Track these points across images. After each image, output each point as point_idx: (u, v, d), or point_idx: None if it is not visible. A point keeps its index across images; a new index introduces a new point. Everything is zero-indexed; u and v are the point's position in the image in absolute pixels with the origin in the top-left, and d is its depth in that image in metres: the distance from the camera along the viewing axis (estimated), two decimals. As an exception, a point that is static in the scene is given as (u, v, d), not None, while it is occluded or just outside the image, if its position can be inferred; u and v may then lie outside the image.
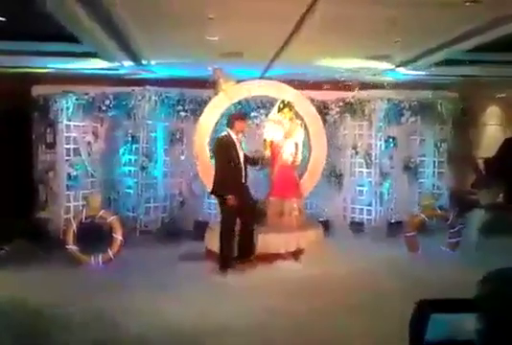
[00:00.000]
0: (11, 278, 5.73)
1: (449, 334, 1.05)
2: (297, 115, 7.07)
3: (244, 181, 6.39)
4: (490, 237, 6.92)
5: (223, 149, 6.35)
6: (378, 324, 4.24)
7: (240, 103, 7.69)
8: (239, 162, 6.38)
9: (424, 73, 7.60)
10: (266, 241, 6.46)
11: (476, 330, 0.95)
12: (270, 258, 6.33)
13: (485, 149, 9.00)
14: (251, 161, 6.57)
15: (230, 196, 6.14)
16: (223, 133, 6.47)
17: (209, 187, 7.00)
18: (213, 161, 7.43)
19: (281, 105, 6.88)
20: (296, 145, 6.92)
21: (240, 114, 6.90)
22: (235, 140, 6.39)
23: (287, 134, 6.86)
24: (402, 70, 7.38)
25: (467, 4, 4.00)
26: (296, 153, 6.92)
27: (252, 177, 6.90)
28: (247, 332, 4.27)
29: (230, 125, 6.48)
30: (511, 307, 0.87)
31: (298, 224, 6.82)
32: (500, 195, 7.45)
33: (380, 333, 4.03)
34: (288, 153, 6.84)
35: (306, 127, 7.23)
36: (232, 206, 6.15)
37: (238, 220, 6.34)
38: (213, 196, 6.93)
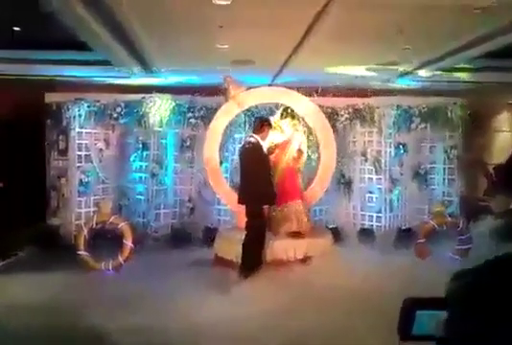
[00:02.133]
0: (22, 283, 5.79)
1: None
2: (301, 121, 7.11)
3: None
4: (501, 244, 6.87)
5: (259, 156, 6.20)
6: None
7: (250, 110, 7.73)
8: (270, 170, 6.34)
9: (433, 79, 7.59)
10: (274, 247, 6.42)
11: (443, 325, 1.04)
12: (278, 264, 6.31)
13: (496, 155, 8.94)
14: None
15: (266, 207, 6.09)
16: (252, 139, 6.32)
17: (220, 195, 7.04)
18: (223, 168, 7.51)
19: (284, 113, 6.93)
20: (299, 150, 6.91)
21: (268, 120, 6.72)
22: (263, 146, 6.32)
23: (289, 140, 6.89)
24: (411, 77, 7.38)
25: (475, 11, 4.01)
26: (299, 158, 6.91)
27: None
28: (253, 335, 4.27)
29: (258, 130, 6.37)
30: (477, 302, 0.90)
31: (306, 229, 6.73)
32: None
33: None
34: (290, 159, 6.82)
35: (315, 134, 7.25)
36: (265, 216, 6.09)
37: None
38: (227, 206, 6.84)
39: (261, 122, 6.58)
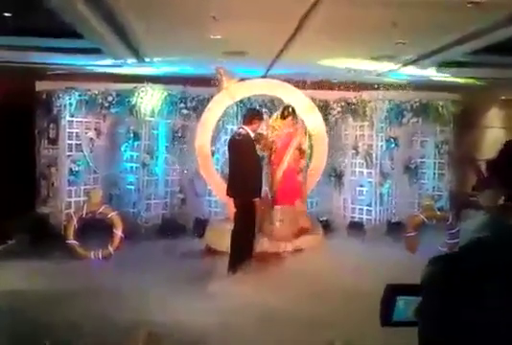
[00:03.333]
0: (13, 271, 5.78)
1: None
2: (302, 120, 6.90)
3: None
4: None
5: (248, 148, 6.05)
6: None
7: (242, 101, 7.71)
8: (260, 163, 6.20)
9: (426, 74, 7.61)
10: (264, 240, 6.42)
11: (416, 310, 1.07)
12: (268, 257, 6.32)
13: (487, 151, 9.00)
14: None
15: (257, 199, 5.95)
16: (242, 131, 6.17)
17: (211, 186, 7.00)
18: (214, 159, 7.49)
19: (285, 112, 6.60)
20: (300, 150, 6.67)
21: (259, 112, 6.61)
22: (253, 138, 6.17)
23: (289, 140, 6.63)
24: (404, 71, 7.39)
25: (469, 5, 4.02)
26: (301, 158, 6.69)
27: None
28: (244, 328, 4.30)
29: (247, 122, 6.22)
30: (452, 287, 0.93)
31: (309, 226, 6.65)
32: (502, 198, 7.46)
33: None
34: (291, 159, 6.60)
35: (306, 126, 7.24)
36: (255, 209, 5.97)
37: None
38: (218, 197, 6.75)
39: (252, 113, 6.46)
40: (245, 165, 5.99)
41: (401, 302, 1.19)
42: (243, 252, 6.03)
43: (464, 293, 0.91)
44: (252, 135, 6.16)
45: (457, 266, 0.96)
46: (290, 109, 6.60)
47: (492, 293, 0.88)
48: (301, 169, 6.76)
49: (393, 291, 1.21)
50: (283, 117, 6.61)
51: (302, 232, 6.56)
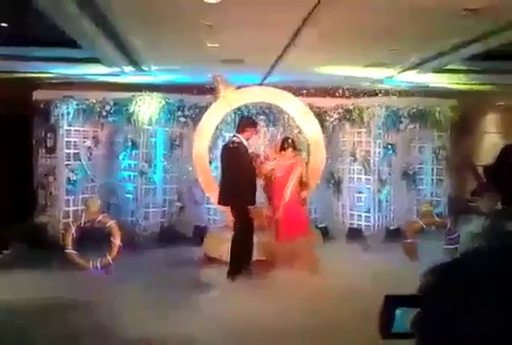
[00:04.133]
0: (9, 281, 5.75)
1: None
2: (303, 150, 6.86)
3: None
4: (488, 244, 6.92)
5: (241, 157, 6.02)
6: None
7: (239, 109, 7.73)
8: (254, 171, 6.13)
9: (423, 80, 7.64)
10: (262, 247, 6.39)
11: (413, 320, 1.06)
12: (267, 264, 6.31)
13: (484, 156, 9.02)
14: None
15: (251, 207, 5.91)
16: (235, 139, 6.17)
17: (209, 193, 6.99)
18: (213, 166, 7.47)
19: (285, 144, 6.46)
20: (301, 182, 6.44)
21: (251, 120, 6.62)
22: (247, 147, 6.15)
23: (290, 171, 6.41)
24: (400, 77, 7.42)
25: (464, 13, 4.04)
26: (302, 188, 6.44)
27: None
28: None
29: (240, 131, 6.20)
30: (451, 296, 0.91)
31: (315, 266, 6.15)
32: (499, 203, 7.45)
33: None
34: (293, 190, 6.36)
35: (304, 134, 7.25)
36: (250, 216, 5.93)
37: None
38: (217, 206, 6.66)
39: (245, 122, 6.44)
40: (238, 173, 5.95)
41: (400, 313, 1.17)
42: (241, 259, 6.02)
43: (463, 303, 0.89)
44: (246, 143, 6.14)
45: (455, 276, 0.95)
46: (290, 141, 6.49)
47: (491, 303, 0.87)
48: (304, 201, 6.52)
49: (392, 302, 1.19)
50: (282, 149, 6.48)
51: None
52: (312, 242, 6.33)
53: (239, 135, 6.18)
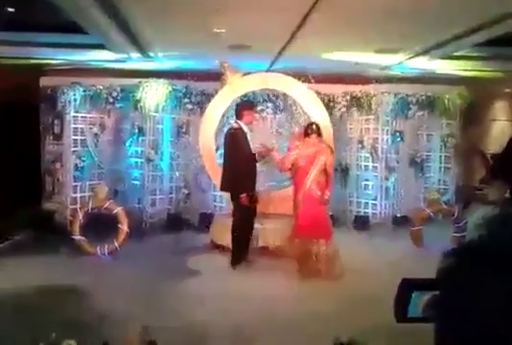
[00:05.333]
0: (18, 267, 5.80)
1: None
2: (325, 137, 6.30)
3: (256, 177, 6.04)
4: (495, 232, 6.89)
5: (239, 143, 5.92)
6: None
7: (246, 95, 7.68)
8: (254, 157, 6.02)
9: (432, 67, 7.55)
10: (266, 233, 6.41)
11: (431, 305, 1.05)
12: (272, 250, 6.32)
13: (493, 144, 8.95)
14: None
15: (244, 195, 5.77)
16: (235, 125, 6.11)
17: (216, 181, 6.98)
18: (219, 154, 7.46)
19: (309, 130, 5.94)
20: (326, 172, 5.86)
21: (248, 104, 6.51)
22: (247, 132, 6.05)
23: (313, 159, 5.84)
24: (409, 64, 7.34)
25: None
26: (327, 185, 5.87)
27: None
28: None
29: (239, 116, 6.09)
30: (469, 283, 0.90)
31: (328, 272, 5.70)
32: (508, 192, 7.39)
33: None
34: (315, 181, 5.79)
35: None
36: (246, 203, 5.82)
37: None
38: (223, 193, 6.59)
39: (242, 105, 6.27)
40: (236, 159, 5.89)
41: (416, 297, 1.16)
42: (242, 246, 6.02)
43: (486, 286, 0.87)
44: (246, 129, 6.03)
45: (479, 257, 0.92)
46: (314, 126, 5.96)
47: (508, 281, 0.85)
48: (327, 200, 5.95)
49: (408, 286, 1.17)
50: (306, 135, 5.95)
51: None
52: (334, 248, 5.80)
53: (238, 121, 6.09)
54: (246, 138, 6.03)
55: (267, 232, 6.48)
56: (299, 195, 5.79)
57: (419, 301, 1.16)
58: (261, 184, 6.93)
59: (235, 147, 5.97)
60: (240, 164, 5.85)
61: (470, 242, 1.01)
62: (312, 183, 5.75)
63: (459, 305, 0.90)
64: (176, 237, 7.51)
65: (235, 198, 5.95)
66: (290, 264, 5.79)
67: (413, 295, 1.16)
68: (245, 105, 6.30)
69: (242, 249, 6.04)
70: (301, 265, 5.74)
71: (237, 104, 6.47)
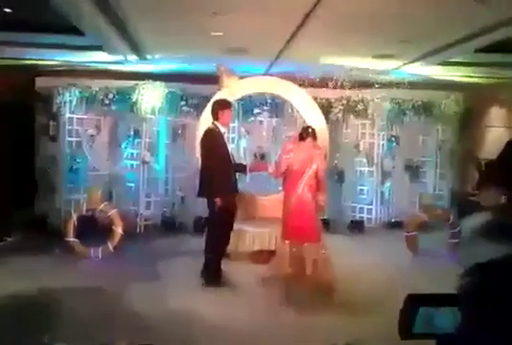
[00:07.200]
0: (10, 269, 5.76)
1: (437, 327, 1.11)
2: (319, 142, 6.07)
3: (234, 182, 5.66)
4: (489, 238, 6.90)
5: (213, 143, 5.49)
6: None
7: (243, 99, 7.68)
8: (230, 160, 5.60)
9: (428, 73, 7.57)
10: (258, 237, 6.41)
11: (454, 324, 1.01)
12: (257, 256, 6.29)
13: (488, 150, 8.97)
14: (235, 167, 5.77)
15: (218, 199, 5.31)
16: (210, 126, 5.64)
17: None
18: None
19: (304, 134, 5.70)
20: (317, 179, 5.71)
21: (223, 102, 5.82)
22: (223, 134, 5.63)
23: (307, 164, 5.68)
24: (406, 69, 7.36)
25: (474, 2, 3.98)
26: (317, 187, 5.72)
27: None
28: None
29: (215, 116, 5.62)
30: (490, 301, 0.87)
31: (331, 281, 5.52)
32: (502, 198, 7.41)
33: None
34: (307, 185, 5.63)
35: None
36: (222, 209, 5.36)
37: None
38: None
39: (216, 105, 5.76)
40: (211, 161, 5.45)
41: (422, 313, 1.12)
42: (216, 259, 5.57)
43: (506, 306, 0.85)
44: (222, 130, 5.66)
45: (498, 277, 0.90)
46: (310, 130, 5.72)
47: None
48: (322, 206, 5.92)
49: (415, 302, 1.13)
50: (301, 138, 5.72)
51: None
52: (325, 252, 5.64)
53: (215, 122, 5.66)
54: (223, 139, 5.64)
55: (264, 235, 6.46)
56: (292, 199, 5.62)
57: (425, 317, 1.12)
58: (256, 188, 6.93)
59: (209, 147, 5.54)
60: (214, 166, 5.40)
61: (494, 259, 0.99)
62: (304, 187, 5.64)
63: (485, 321, 0.87)
64: (171, 240, 7.47)
65: (210, 206, 5.49)
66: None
67: (420, 311, 1.12)
68: (220, 105, 5.75)
69: (217, 262, 5.61)
70: (291, 268, 5.58)
71: (212, 104, 5.95)
